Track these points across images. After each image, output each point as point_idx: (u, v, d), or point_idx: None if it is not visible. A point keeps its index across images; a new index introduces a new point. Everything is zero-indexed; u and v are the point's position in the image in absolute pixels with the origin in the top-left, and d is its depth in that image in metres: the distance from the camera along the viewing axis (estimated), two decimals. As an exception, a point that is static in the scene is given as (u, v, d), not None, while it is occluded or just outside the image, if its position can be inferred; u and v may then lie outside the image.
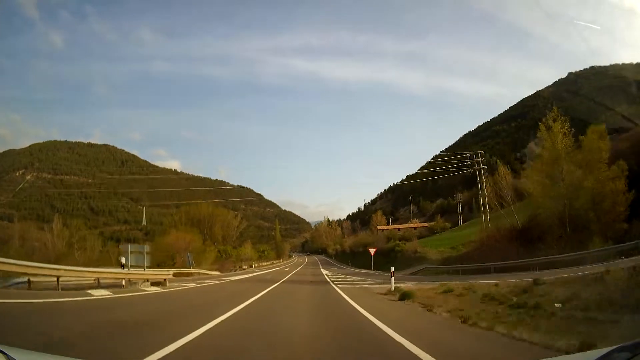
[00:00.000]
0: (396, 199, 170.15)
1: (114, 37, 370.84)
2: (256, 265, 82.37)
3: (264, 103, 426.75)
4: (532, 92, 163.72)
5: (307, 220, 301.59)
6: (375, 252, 49.75)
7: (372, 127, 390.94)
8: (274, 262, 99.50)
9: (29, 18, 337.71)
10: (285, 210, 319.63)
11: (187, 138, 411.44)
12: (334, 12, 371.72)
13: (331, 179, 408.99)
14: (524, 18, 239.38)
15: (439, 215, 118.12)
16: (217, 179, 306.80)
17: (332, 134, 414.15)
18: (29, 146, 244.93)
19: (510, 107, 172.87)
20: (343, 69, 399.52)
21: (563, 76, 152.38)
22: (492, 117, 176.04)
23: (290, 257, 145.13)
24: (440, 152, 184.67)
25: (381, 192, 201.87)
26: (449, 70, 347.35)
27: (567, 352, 5.65)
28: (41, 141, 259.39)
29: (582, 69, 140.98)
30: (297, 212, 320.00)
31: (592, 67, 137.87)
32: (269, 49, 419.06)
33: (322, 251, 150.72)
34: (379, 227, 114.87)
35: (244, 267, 71.27)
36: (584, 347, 5.65)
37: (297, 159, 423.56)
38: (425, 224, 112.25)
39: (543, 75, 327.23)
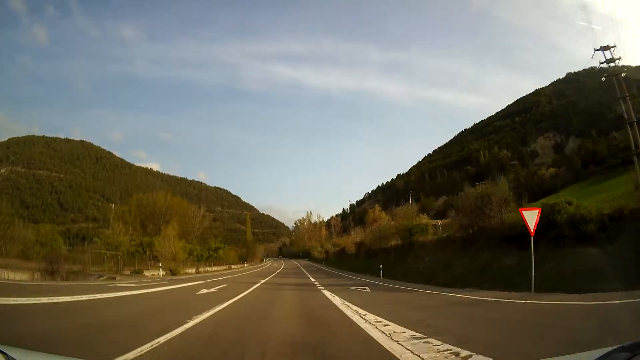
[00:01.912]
0: (388, 199, 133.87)
1: (97, 36, 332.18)
2: (196, 270, 46.09)
3: (246, 109, 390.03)
4: (532, 90, 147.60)
5: (285, 224, 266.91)
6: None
7: (355, 133, 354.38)
8: (232, 266, 62.00)
9: (15, 12, 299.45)
10: (263, 213, 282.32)
11: (167, 140, 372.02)
12: (317, 19, 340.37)
13: (311, 185, 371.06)
14: (509, 28, 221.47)
15: (452, 211, 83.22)
16: (193, 180, 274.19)
17: (313, 140, 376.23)
18: (7, 140, 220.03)
19: (509, 105, 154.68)
20: (325, 76, 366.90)
21: (562, 76, 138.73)
22: (489, 115, 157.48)
23: (263, 261, 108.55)
24: (434, 150, 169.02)
25: (369, 192, 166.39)
26: (433, 80, 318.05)
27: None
28: (20, 136, 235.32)
29: (581, 69, 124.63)
30: (275, 217, 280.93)
31: (592, 68, 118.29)
32: (251, 55, 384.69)
33: (303, 255, 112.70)
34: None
35: (156, 273, 35.03)
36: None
37: (277, 164, 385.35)
38: (438, 221, 77.16)
39: (529, 84, 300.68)
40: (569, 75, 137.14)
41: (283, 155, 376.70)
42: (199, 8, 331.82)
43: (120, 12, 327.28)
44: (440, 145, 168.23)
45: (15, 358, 2.24)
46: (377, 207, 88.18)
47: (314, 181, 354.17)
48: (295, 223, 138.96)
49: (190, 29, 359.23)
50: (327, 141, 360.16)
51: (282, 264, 76.95)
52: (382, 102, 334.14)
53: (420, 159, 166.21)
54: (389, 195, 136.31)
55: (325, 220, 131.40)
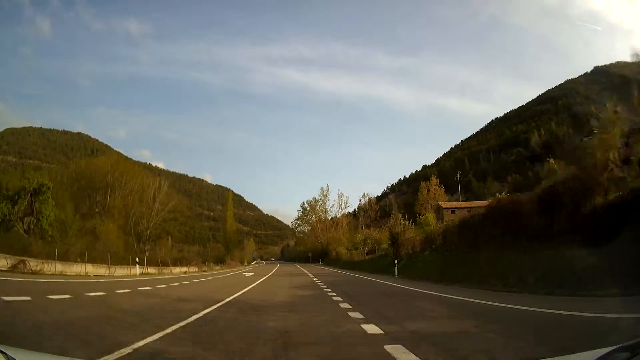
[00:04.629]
0: (416, 191, 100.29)
1: (105, 35, 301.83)
2: None
3: (253, 111, 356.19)
4: (562, 81, 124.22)
5: (291, 227, 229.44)
6: None
7: (364, 137, 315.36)
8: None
9: (19, 3, 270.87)
10: (267, 215, 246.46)
11: (172, 140, 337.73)
12: (327, 24, 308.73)
13: (318, 188, 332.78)
14: (518, 37, 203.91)
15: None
16: (194, 177, 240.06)
17: (321, 144, 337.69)
18: (3, 130, 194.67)
19: (541, 94, 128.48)
20: (334, 81, 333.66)
21: (589, 70, 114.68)
22: (522, 103, 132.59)
23: (245, 264, 65.63)
24: (461, 141, 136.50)
25: (390, 185, 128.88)
26: (442, 86, 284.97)
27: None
28: (18, 127, 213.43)
29: (608, 63, 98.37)
30: (280, 219, 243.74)
31: (618, 62, 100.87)
32: (259, 58, 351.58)
33: (315, 257, 69.33)
34: (442, 205, 44.68)
35: None
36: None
37: (284, 167, 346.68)
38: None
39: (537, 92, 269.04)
40: (596, 68, 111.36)
41: (290, 159, 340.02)
42: (208, 9, 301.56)
43: (128, 12, 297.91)
44: (467, 137, 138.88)
45: (15, 358, 2.00)
46: (434, 180, 52.70)
47: (321, 184, 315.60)
48: (301, 207, 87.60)
49: (198, 30, 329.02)
50: (336, 145, 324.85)
51: (272, 270, 36.05)
52: (392, 108, 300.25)
53: (446, 151, 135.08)
54: (416, 186, 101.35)
55: (348, 205, 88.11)
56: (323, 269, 41.76)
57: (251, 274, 28.81)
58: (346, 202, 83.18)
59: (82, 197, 52.51)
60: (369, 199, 74.73)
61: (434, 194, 48.81)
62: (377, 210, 69.95)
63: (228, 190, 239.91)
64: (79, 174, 56.47)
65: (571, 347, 3.79)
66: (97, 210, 51.72)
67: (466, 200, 59.85)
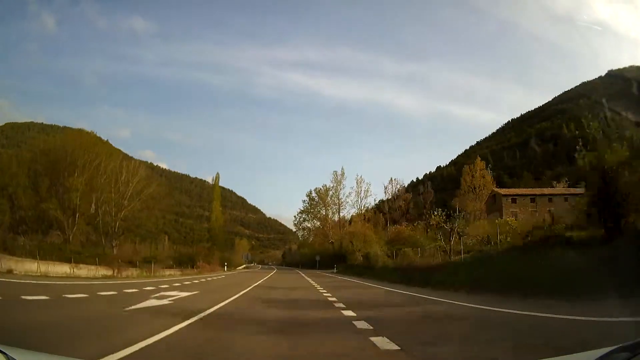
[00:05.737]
0: (434, 189, 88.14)
1: (109, 33, 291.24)
2: None
3: (258, 114, 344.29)
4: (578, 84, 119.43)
5: (294, 231, 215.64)
6: None
7: (370, 142, 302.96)
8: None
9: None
10: (269, 218, 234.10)
11: (176, 141, 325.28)
12: (334, 28, 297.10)
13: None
14: (526, 45, 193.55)
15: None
16: (196, 177, 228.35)
17: (325, 148, 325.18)
18: (4, 124, 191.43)
19: (558, 95, 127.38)
20: (341, 86, 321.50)
21: (602, 74, 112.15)
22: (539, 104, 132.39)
23: (225, 268, 47.90)
24: (477, 142, 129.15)
25: (406, 185, 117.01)
26: (449, 93, 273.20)
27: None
28: (19, 121, 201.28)
29: (622, 67, 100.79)
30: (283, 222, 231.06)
31: (631, 66, 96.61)
32: (265, 61, 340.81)
33: (326, 263, 49.72)
34: (501, 192, 32.81)
35: None
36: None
37: (288, 171, 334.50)
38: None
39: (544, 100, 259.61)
40: (610, 71, 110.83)
41: (294, 162, 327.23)
42: (214, 11, 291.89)
43: (133, 10, 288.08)
44: (483, 137, 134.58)
45: (15, 358, 1.98)
46: (480, 163, 41.10)
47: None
48: (307, 196, 68.09)
49: (204, 31, 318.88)
50: (340, 149, 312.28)
51: (252, 285, 17.77)
52: (399, 113, 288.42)
53: (460, 152, 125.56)
54: (434, 185, 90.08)
55: (369, 194, 64.65)
56: (353, 282, 22.31)
57: (179, 294, 11.86)
58: (367, 191, 62.14)
59: (40, 178, 42.74)
60: (401, 189, 55.46)
61: (481, 179, 37.24)
62: (409, 200, 51.94)
63: (231, 191, 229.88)
64: (41, 151, 46.96)
65: None
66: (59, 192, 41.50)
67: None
